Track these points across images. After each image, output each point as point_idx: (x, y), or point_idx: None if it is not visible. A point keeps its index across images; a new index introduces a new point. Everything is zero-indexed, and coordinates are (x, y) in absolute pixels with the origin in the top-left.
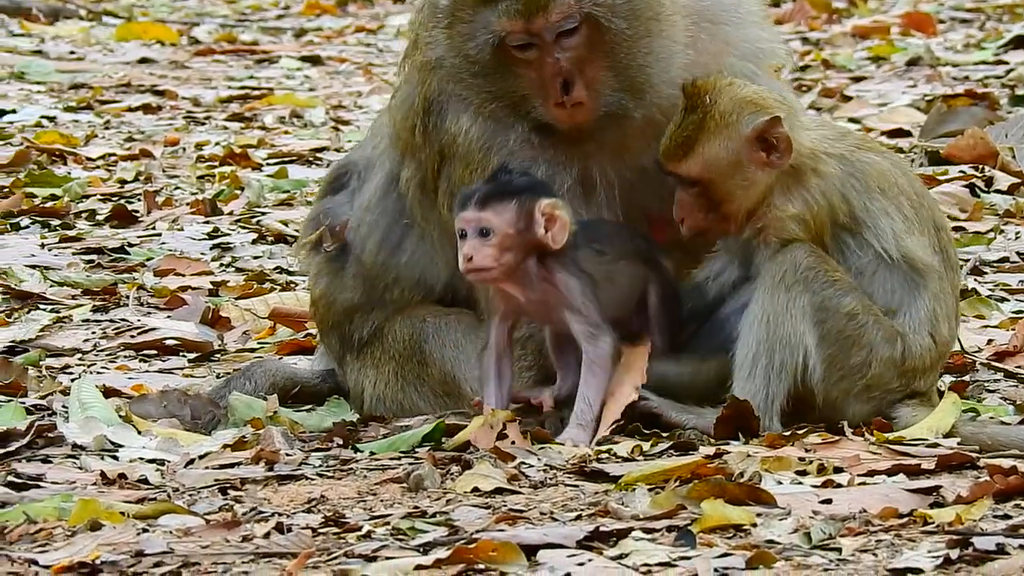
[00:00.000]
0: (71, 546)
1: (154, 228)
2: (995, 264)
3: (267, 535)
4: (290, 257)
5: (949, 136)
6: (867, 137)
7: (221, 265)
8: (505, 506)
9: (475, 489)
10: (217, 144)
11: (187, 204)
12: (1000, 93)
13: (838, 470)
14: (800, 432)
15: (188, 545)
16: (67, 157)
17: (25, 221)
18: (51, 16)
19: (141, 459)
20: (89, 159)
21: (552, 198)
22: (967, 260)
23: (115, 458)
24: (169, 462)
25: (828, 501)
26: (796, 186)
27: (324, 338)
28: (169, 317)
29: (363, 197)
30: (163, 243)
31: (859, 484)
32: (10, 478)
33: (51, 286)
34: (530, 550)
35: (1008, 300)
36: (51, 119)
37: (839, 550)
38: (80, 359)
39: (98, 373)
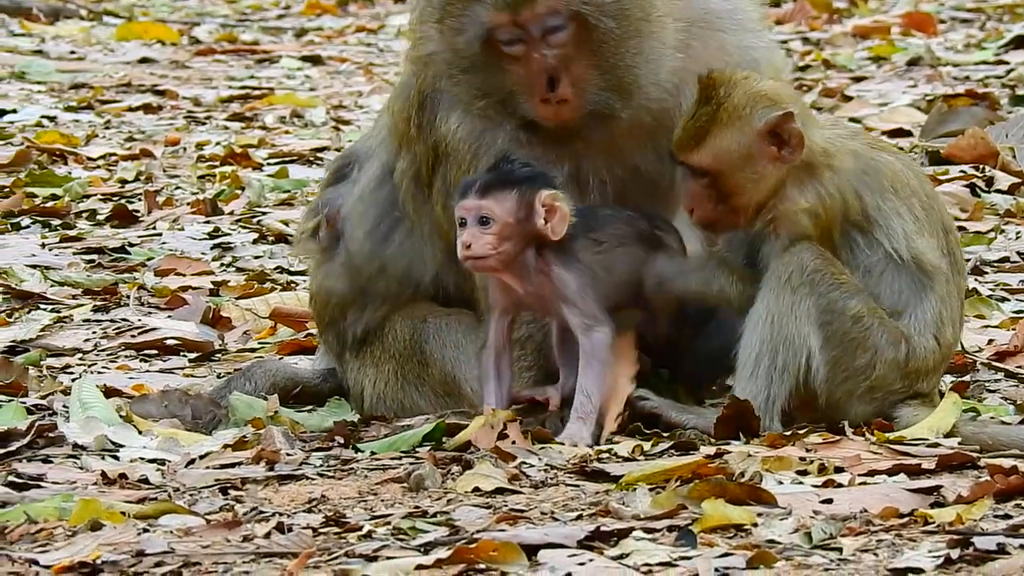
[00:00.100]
0: (72, 546)
1: (155, 228)
2: (996, 264)
3: (268, 535)
4: (291, 257)
5: (950, 136)
6: (880, 138)
7: (222, 265)
8: (506, 506)
9: (476, 489)
10: (218, 144)
11: (188, 204)
12: (1000, 93)
13: (839, 470)
14: (801, 432)
15: (189, 545)
16: (68, 157)
17: (26, 221)
18: (51, 16)
19: (142, 459)
20: (90, 159)
21: (553, 189)
22: (968, 260)
23: (116, 458)
24: (170, 462)
25: (829, 501)
26: (810, 180)
27: (323, 335)
28: (170, 317)
29: (358, 186)
30: (164, 243)
31: (860, 484)
32: (11, 478)
33: (52, 286)
34: (531, 550)
35: (1009, 300)
36: (52, 119)
37: (840, 550)
38: (81, 359)
39: (99, 373)
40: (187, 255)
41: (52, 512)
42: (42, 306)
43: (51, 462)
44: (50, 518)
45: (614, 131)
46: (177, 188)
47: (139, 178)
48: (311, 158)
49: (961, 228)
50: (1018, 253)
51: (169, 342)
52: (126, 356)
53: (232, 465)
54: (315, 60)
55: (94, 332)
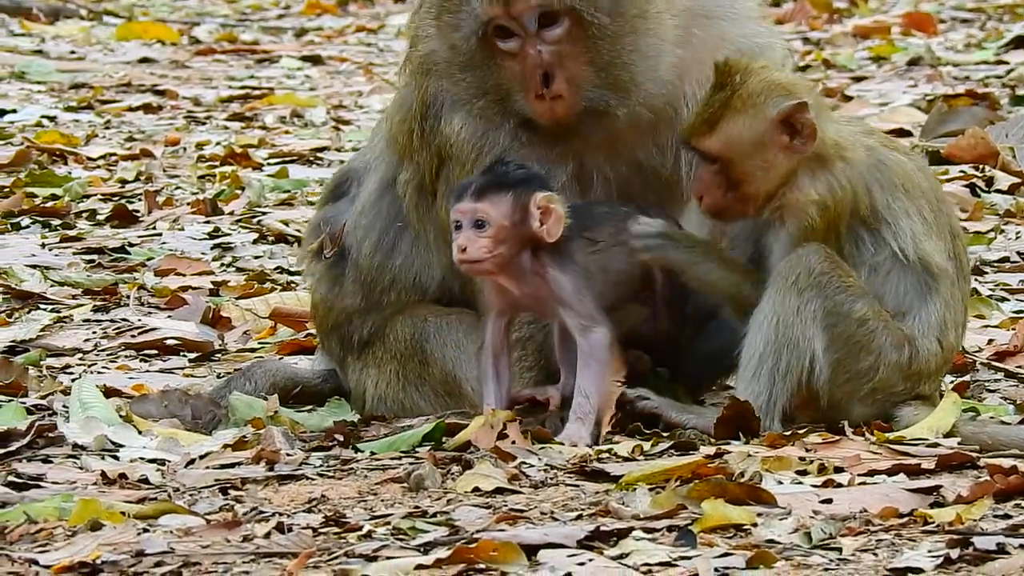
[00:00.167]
0: (72, 546)
1: (155, 228)
2: (995, 264)
3: (268, 535)
4: (291, 257)
5: (950, 136)
6: (892, 138)
7: (222, 265)
8: (506, 506)
9: (476, 489)
10: (218, 144)
11: (188, 204)
12: (1001, 93)
13: (838, 470)
14: (800, 432)
15: (189, 545)
16: (68, 157)
17: (26, 221)
18: (51, 16)
19: (142, 459)
20: (90, 159)
21: (548, 191)
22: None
23: (116, 458)
24: (170, 462)
25: (828, 501)
26: (822, 171)
27: (324, 341)
28: (170, 317)
29: (359, 201)
30: (164, 243)
31: (859, 484)
32: (11, 478)
33: (52, 286)
34: (531, 550)
35: (1008, 300)
36: (52, 119)
37: (839, 550)
38: (81, 359)
39: (99, 373)
40: (187, 255)
41: (52, 512)
42: (42, 306)
43: (51, 462)
44: (50, 518)
45: (613, 128)
46: (177, 188)
47: (139, 178)
48: (311, 158)
49: (961, 228)
50: (1018, 253)
51: (169, 342)
52: (126, 356)
53: (232, 465)
54: (315, 60)
55: (94, 332)
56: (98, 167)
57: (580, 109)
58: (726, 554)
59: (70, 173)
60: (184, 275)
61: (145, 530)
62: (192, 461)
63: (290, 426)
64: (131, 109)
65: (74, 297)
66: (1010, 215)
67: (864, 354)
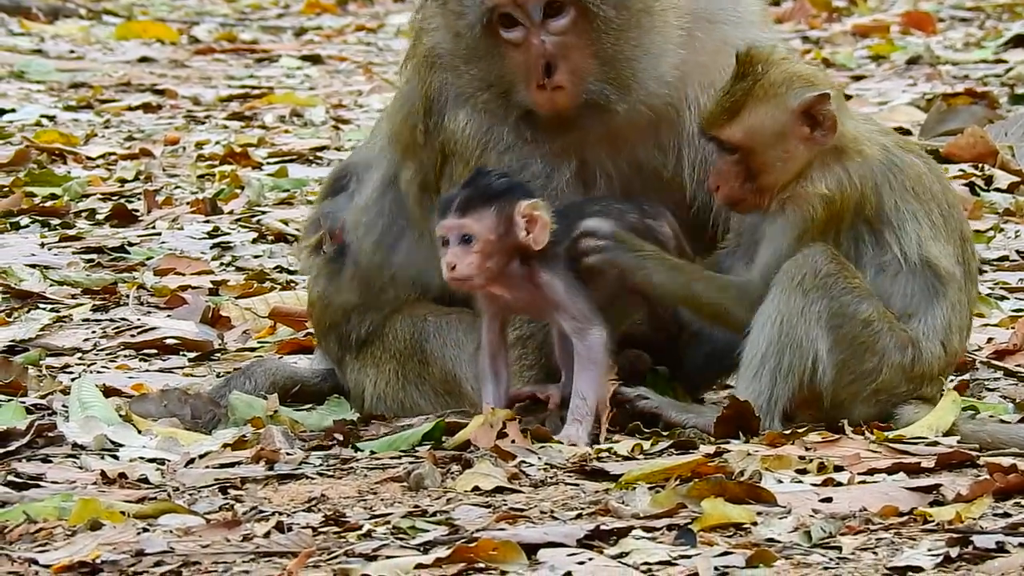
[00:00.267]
0: (71, 545)
1: (154, 227)
2: (995, 262)
3: (267, 534)
4: (290, 256)
5: (949, 135)
6: (907, 138)
7: (221, 264)
8: (505, 505)
9: (475, 488)
10: (217, 143)
11: (187, 203)
12: (1000, 92)
13: (838, 469)
14: (800, 431)
15: (188, 544)
16: (67, 156)
17: (25, 220)
18: (51, 15)
19: (141, 458)
20: (89, 158)
21: (531, 199)
22: None
23: (115, 457)
24: (169, 461)
25: (828, 500)
26: (836, 165)
27: (322, 341)
28: (169, 316)
29: (360, 198)
30: (163, 242)
31: (859, 483)
32: (10, 477)
33: (51, 285)
34: (530, 549)
35: (1008, 298)
36: (51, 118)
37: (839, 548)
38: (80, 358)
39: (98, 372)
40: (186, 254)
41: (52, 512)
42: (41, 305)
43: (50, 461)
44: (50, 518)
45: (612, 124)
46: (176, 187)
47: (138, 177)
48: (311, 157)
49: (971, 232)
50: (1017, 251)
51: (168, 341)
52: (125, 355)
53: (232, 464)
54: (314, 59)
55: (93, 331)
56: (97, 166)
57: (580, 102)
58: (726, 553)
59: (69, 172)
60: (183, 274)
61: (145, 530)
62: (192, 460)
63: (290, 425)
64: (130, 108)
65: (73, 296)
66: (1009, 214)
67: (868, 355)
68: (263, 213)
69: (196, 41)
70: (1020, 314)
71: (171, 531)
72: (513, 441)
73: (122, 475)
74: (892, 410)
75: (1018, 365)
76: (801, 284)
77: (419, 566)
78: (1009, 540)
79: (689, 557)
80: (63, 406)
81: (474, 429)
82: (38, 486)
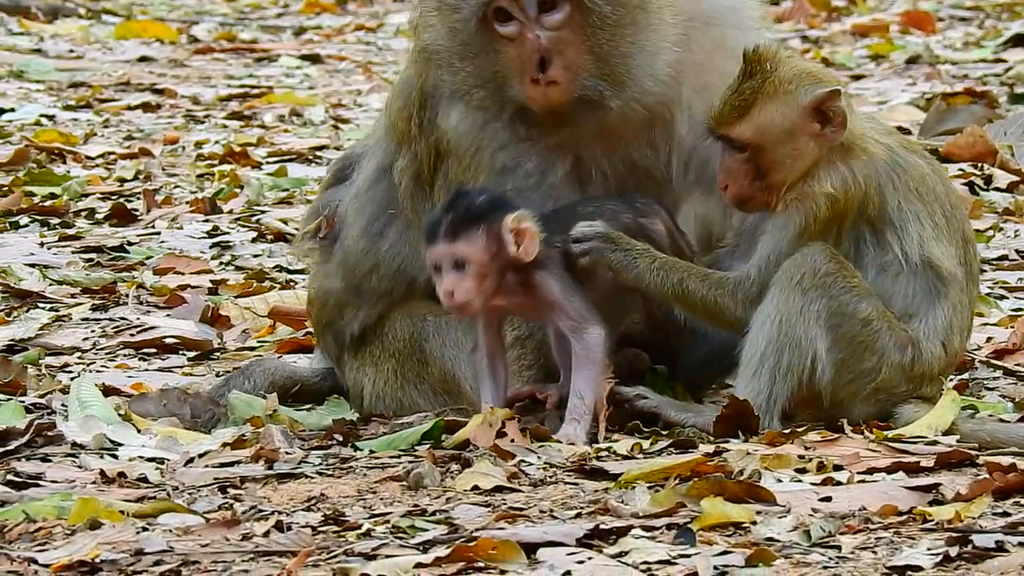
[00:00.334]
0: (71, 545)
1: (153, 227)
2: (994, 262)
3: (267, 533)
4: (290, 255)
5: (948, 134)
6: (911, 139)
7: (221, 263)
8: (505, 504)
9: (475, 487)
10: (216, 142)
11: (186, 202)
12: (999, 91)
13: (837, 468)
14: (799, 430)
15: (188, 544)
16: (66, 156)
17: (24, 220)
18: (50, 14)
19: (141, 458)
20: (88, 157)
21: (515, 211)
22: None
23: (114, 457)
24: (169, 461)
25: (827, 499)
26: (843, 163)
27: (320, 339)
28: (168, 315)
29: (354, 185)
30: (162, 241)
31: (858, 482)
32: (10, 477)
33: (50, 285)
34: (530, 548)
35: (1007, 298)
36: (50, 117)
37: (838, 548)
38: (79, 358)
39: (97, 372)
40: (186, 254)
41: (51, 511)
42: (41, 305)
43: (50, 461)
44: (49, 517)
45: (605, 121)
46: (176, 187)
47: (138, 177)
48: (310, 156)
49: (973, 233)
50: (1016, 251)
51: (168, 341)
52: (125, 355)
53: (231, 464)
54: (314, 59)
55: (93, 331)
56: (97, 166)
57: (574, 97)
58: (725, 552)
59: (69, 172)
60: (183, 274)
61: (144, 529)
62: (191, 460)
63: (289, 424)
64: (130, 108)
65: (73, 296)
66: (1009, 213)
67: (868, 354)
68: (262, 212)
69: (195, 40)
70: (1019, 313)
71: (170, 530)
72: (512, 440)
73: (121, 474)
74: (891, 409)
75: (1017, 364)
76: (800, 283)
77: (418, 565)
78: (1008, 539)
79: (688, 556)
80: (62, 405)
81: (473, 428)
82: (37, 485)
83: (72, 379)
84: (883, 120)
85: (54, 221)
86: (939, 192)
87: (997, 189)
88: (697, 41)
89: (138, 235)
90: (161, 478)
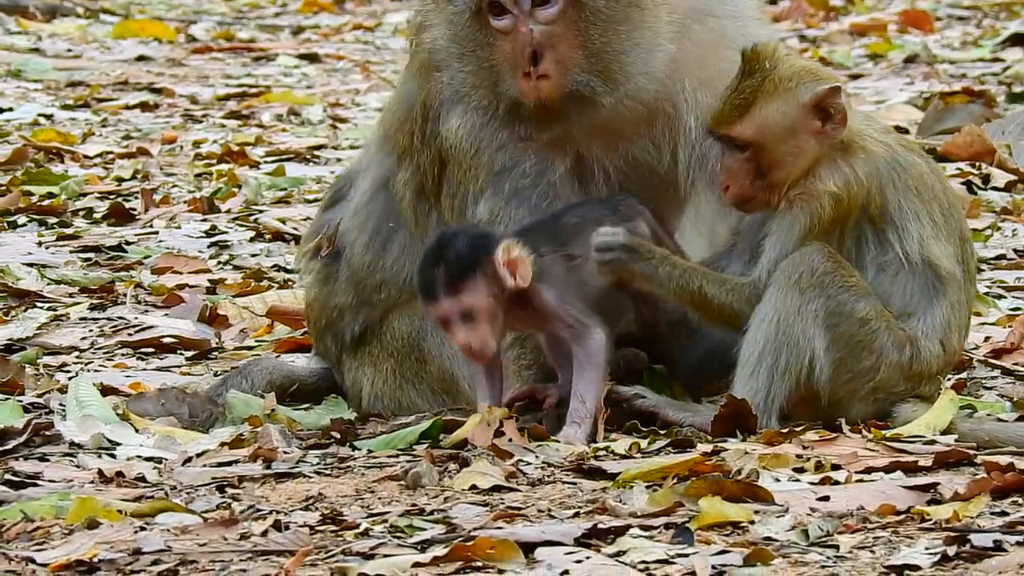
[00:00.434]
0: (68, 544)
1: (151, 226)
2: (992, 261)
3: (265, 533)
4: (288, 255)
5: (946, 133)
6: (908, 138)
7: (219, 263)
8: (503, 503)
9: (473, 487)
10: (215, 142)
11: (184, 202)
12: (997, 90)
13: (835, 467)
14: (798, 429)
15: (186, 543)
16: (64, 155)
17: (22, 219)
18: (48, 14)
19: (139, 457)
20: (86, 157)
21: (499, 243)
22: None
23: (112, 456)
24: (167, 460)
25: (825, 498)
26: (844, 162)
27: (319, 343)
28: (167, 315)
29: (353, 201)
30: (160, 241)
31: (856, 481)
32: (7, 476)
33: (48, 284)
34: (528, 547)
35: (1005, 297)
36: (48, 117)
37: (836, 547)
38: (77, 357)
39: (95, 371)
40: (184, 253)
41: (49, 510)
42: (39, 304)
43: (48, 460)
44: (47, 516)
45: (598, 117)
46: (174, 186)
47: (136, 176)
48: (308, 156)
49: (970, 232)
50: (1014, 250)
51: (166, 340)
52: (123, 354)
53: (229, 463)
54: (312, 58)
55: (91, 330)
56: (95, 165)
57: (566, 92)
58: (723, 551)
59: (67, 171)
60: (181, 273)
61: (142, 528)
62: (189, 459)
63: (287, 424)
64: (128, 107)
65: (71, 295)
66: (1007, 212)
67: (866, 353)
68: (260, 212)
69: (193, 40)
70: (1017, 313)
71: (168, 530)
72: (510, 440)
73: (119, 474)
74: (889, 408)
75: (1015, 363)
76: (798, 283)
77: (416, 564)
78: (1006, 538)
79: (686, 556)
80: (60, 405)
81: (471, 428)
82: (35, 485)
83: (70, 379)
84: (881, 119)
85: (52, 220)
86: (937, 191)
87: (995, 188)
88: (697, 34)
89: (136, 234)
90: (159, 477)
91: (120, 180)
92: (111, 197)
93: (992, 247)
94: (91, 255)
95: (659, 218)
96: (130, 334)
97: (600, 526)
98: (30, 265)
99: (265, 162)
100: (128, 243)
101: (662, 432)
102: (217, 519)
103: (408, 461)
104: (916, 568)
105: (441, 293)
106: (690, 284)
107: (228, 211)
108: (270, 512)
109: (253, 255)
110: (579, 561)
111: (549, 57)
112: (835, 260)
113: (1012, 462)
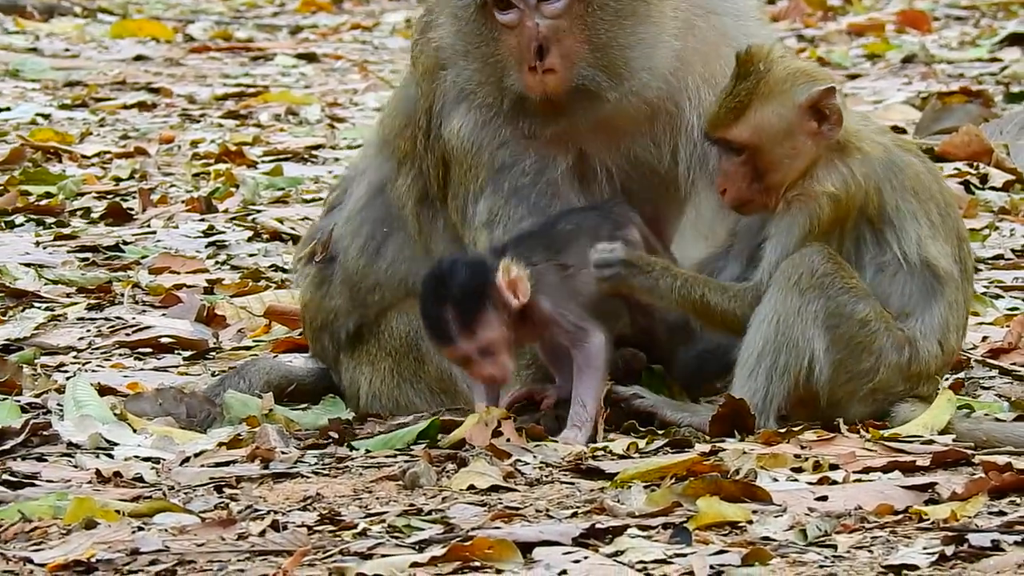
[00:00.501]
0: (66, 544)
1: (149, 226)
2: (990, 261)
3: (263, 533)
4: (285, 255)
5: (944, 133)
6: (904, 138)
7: (216, 263)
8: (501, 503)
9: (471, 487)
10: (212, 142)
11: (182, 202)
12: (995, 90)
13: (833, 467)
14: (796, 429)
15: (183, 543)
16: (62, 155)
17: (20, 219)
18: (46, 13)
19: (136, 457)
20: (84, 157)
21: (496, 265)
22: None
23: (110, 456)
24: (164, 460)
25: (823, 498)
26: (841, 163)
27: (316, 344)
28: (164, 315)
29: (348, 206)
30: (158, 241)
31: (854, 481)
32: (5, 476)
33: (46, 284)
34: (526, 547)
35: (1003, 297)
36: (46, 116)
37: (834, 547)
38: (75, 357)
39: (93, 371)
40: (181, 253)
41: (47, 510)
42: (36, 304)
43: (45, 460)
44: (45, 516)
45: (602, 113)
46: (172, 186)
47: (133, 176)
48: (306, 156)
49: (967, 232)
50: (1012, 250)
51: (163, 340)
52: (120, 354)
53: (227, 463)
54: (310, 57)
55: (88, 330)
56: (92, 165)
57: (571, 87)
58: (721, 551)
59: (64, 171)
60: (178, 273)
61: (140, 528)
62: (187, 459)
63: (285, 424)
64: (125, 107)
65: (68, 295)
66: (1004, 212)
67: (866, 355)
68: (258, 212)
69: (191, 39)
70: (1015, 312)
71: (166, 530)
72: (508, 440)
73: (117, 474)
74: (888, 408)
75: (1013, 364)
76: (798, 284)
77: (414, 564)
78: (1004, 538)
79: (685, 556)
80: (58, 405)
81: (469, 427)
82: (33, 485)
83: (68, 379)
84: (878, 119)
85: (49, 220)
86: (934, 191)
87: (993, 188)
88: (702, 30)
89: (134, 234)
90: (157, 478)
91: (118, 180)
92: (109, 197)
93: (990, 247)
94: (89, 255)
95: (659, 218)
96: (128, 334)
97: (598, 526)
98: (27, 265)
99: (263, 162)
100: (126, 243)
101: (660, 432)
102: (215, 519)
103: (406, 461)
104: (914, 568)
105: (456, 336)
106: (692, 294)
107: (226, 211)
108: (268, 512)
109: (251, 255)
110: (577, 561)
111: (555, 51)
112: (835, 261)
113: (1010, 462)
